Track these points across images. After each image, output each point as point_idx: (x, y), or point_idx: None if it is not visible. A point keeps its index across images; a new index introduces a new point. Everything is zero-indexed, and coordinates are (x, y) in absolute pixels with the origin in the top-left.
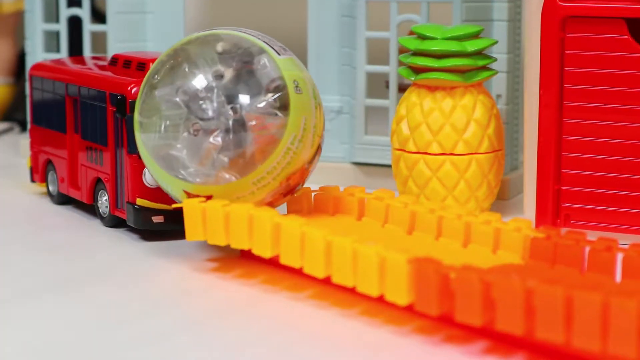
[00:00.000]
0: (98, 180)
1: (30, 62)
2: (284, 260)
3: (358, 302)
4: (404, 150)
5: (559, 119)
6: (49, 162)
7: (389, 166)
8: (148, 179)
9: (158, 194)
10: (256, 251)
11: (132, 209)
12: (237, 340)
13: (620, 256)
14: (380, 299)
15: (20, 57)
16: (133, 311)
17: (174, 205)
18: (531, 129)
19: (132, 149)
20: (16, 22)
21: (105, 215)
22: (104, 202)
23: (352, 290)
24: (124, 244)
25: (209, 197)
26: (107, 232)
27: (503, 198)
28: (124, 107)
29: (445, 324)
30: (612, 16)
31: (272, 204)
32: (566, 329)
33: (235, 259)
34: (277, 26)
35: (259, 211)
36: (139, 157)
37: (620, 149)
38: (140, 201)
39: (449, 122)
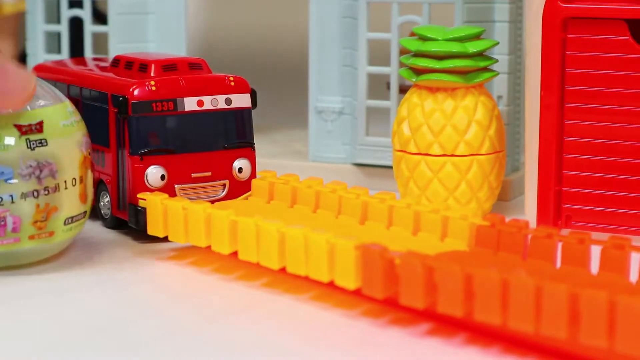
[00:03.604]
0: (100, 182)
1: (31, 63)
2: (242, 256)
3: (310, 288)
4: (405, 152)
5: (560, 120)
6: None
7: (390, 167)
8: (150, 180)
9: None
10: (215, 248)
11: (134, 210)
12: (233, 341)
13: (560, 244)
14: (334, 285)
15: (22, 58)
16: (132, 312)
17: (139, 195)
18: (532, 130)
19: (134, 150)
20: (17, 23)
21: (106, 217)
22: (105, 203)
23: (305, 279)
24: (125, 245)
25: None
26: (108, 233)
27: (504, 199)
28: (126, 108)
29: (391, 307)
30: (613, 17)
31: None
32: (502, 312)
33: (234, 260)
34: (278, 27)
35: (216, 210)
36: (141, 159)
37: (622, 150)
38: (142, 202)
39: (450, 123)
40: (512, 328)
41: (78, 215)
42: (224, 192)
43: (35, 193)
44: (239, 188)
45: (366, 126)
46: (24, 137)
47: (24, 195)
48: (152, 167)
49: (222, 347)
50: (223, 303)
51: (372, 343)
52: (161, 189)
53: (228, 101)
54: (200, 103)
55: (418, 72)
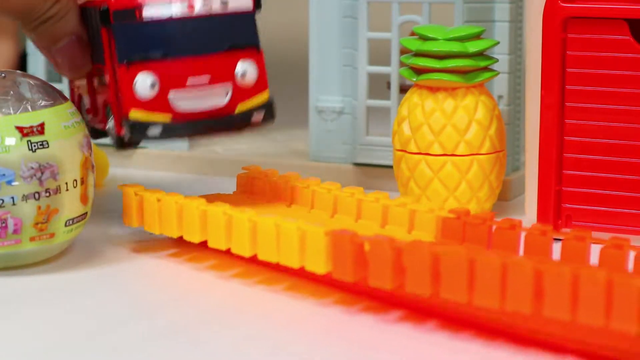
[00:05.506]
0: (107, 105)
1: (32, 63)
2: (211, 244)
3: (283, 279)
4: (405, 151)
5: (560, 120)
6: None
7: (391, 167)
8: (139, 89)
9: (153, 105)
10: (187, 237)
11: (126, 123)
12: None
13: (523, 235)
14: (307, 276)
15: (22, 58)
16: (132, 312)
17: (119, 186)
18: (533, 130)
19: (121, 58)
20: (17, 24)
21: (114, 139)
22: (112, 126)
23: (277, 268)
24: (124, 244)
25: None
26: (106, 233)
27: (504, 199)
28: (108, 17)
29: (363, 296)
30: (614, 17)
31: None
32: (469, 290)
33: (231, 260)
34: (278, 27)
35: (188, 201)
36: (128, 68)
37: (622, 150)
38: (133, 114)
39: (450, 122)
40: (477, 305)
41: (79, 216)
42: (227, 98)
43: (37, 195)
44: (244, 95)
45: (366, 126)
46: (25, 139)
47: (25, 197)
48: (140, 74)
49: (211, 344)
50: (213, 300)
51: (343, 330)
52: (154, 100)
53: (224, 5)
54: (190, 8)
55: (418, 71)
